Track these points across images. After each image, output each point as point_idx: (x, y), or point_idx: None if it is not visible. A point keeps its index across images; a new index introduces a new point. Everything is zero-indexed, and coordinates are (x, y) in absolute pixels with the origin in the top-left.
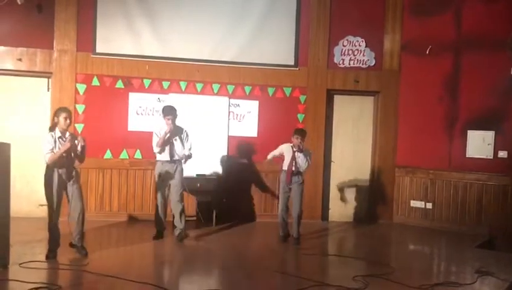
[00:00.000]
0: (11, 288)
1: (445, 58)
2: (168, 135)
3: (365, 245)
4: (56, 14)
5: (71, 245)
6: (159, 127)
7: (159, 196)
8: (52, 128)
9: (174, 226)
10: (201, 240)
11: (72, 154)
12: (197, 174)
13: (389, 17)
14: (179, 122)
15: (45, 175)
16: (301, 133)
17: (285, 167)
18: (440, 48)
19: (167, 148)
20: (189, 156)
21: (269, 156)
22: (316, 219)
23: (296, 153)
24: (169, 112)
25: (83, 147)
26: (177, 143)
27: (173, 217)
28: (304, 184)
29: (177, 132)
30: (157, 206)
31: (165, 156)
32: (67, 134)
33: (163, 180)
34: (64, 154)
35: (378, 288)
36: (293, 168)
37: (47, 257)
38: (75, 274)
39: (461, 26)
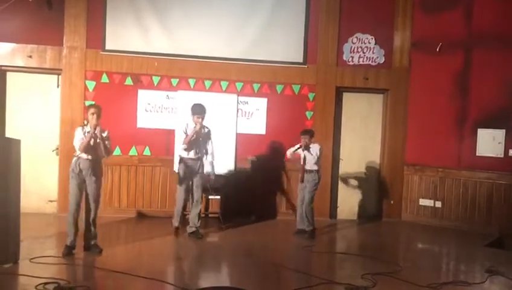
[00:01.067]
0: (22, 283)
1: (456, 56)
2: (194, 135)
3: (373, 243)
4: (66, 11)
5: (85, 247)
6: (185, 124)
7: (181, 192)
8: (84, 125)
9: (187, 223)
10: (211, 237)
11: (97, 149)
12: (206, 172)
13: (399, 14)
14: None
15: (70, 168)
16: (307, 133)
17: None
18: (450, 45)
19: (194, 146)
20: (212, 163)
21: (288, 154)
22: (325, 217)
23: (305, 152)
24: (200, 110)
25: (105, 140)
26: (203, 142)
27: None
28: (319, 183)
29: (204, 130)
30: (179, 201)
31: (190, 154)
32: (98, 129)
33: (186, 177)
34: (91, 144)
35: (387, 286)
36: (305, 167)
37: (63, 254)
38: (84, 270)
39: (472, 23)
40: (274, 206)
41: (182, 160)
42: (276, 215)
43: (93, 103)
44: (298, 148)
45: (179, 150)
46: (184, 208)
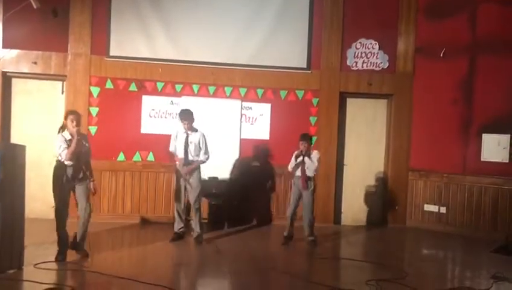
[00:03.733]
0: (26, 288)
1: (460, 61)
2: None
3: (378, 249)
4: (71, 18)
5: (75, 249)
6: (176, 130)
7: (177, 196)
8: (61, 130)
9: (191, 228)
10: (213, 242)
11: (80, 155)
12: (209, 177)
13: (402, 20)
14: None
15: (53, 175)
16: (306, 138)
17: (298, 172)
18: (454, 50)
19: (182, 151)
20: (202, 161)
21: (290, 168)
22: (329, 223)
23: (305, 158)
24: (183, 116)
25: (87, 149)
26: (192, 146)
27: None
28: (315, 191)
29: (193, 135)
30: (174, 207)
31: (181, 159)
32: (79, 136)
33: (180, 181)
34: (75, 152)
35: None
36: (307, 174)
37: (56, 259)
38: (88, 276)
39: (476, 28)
40: (278, 211)
41: (175, 165)
42: (280, 220)
43: (97, 109)
44: (299, 155)
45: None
46: (188, 213)
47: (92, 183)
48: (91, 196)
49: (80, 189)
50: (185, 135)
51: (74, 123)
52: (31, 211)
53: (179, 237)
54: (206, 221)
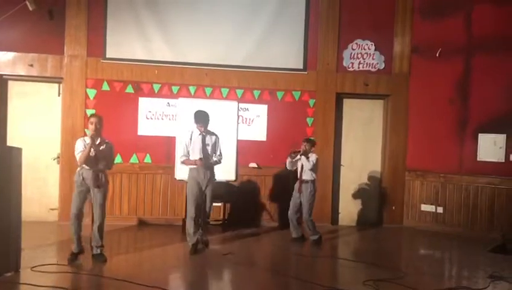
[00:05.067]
0: None
1: (456, 61)
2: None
3: (375, 249)
4: (67, 20)
5: (92, 255)
6: (189, 132)
7: (191, 205)
8: (85, 135)
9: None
10: (213, 244)
11: (99, 159)
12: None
13: (398, 20)
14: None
15: (74, 177)
16: (309, 140)
17: (299, 175)
18: (450, 50)
19: (198, 153)
20: (216, 162)
21: (288, 166)
22: (326, 223)
23: (302, 158)
24: (196, 118)
25: (107, 152)
26: (208, 148)
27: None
28: (316, 193)
29: (209, 137)
30: (190, 215)
31: (198, 161)
32: (99, 140)
33: (198, 187)
34: (91, 155)
35: None
36: (303, 176)
37: (68, 262)
38: (85, 278)
39: (471, 28)
40: (275, 213)
41: (190, 170)
42: (277, 222)
43: (94, 111)
44: (297, 152)
45: (180, 162)
46: (197, 220)
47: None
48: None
49: (96, 194)
50: (201, 137)
51: (92, 127)
52: (27, 213)
53: (197, 246)
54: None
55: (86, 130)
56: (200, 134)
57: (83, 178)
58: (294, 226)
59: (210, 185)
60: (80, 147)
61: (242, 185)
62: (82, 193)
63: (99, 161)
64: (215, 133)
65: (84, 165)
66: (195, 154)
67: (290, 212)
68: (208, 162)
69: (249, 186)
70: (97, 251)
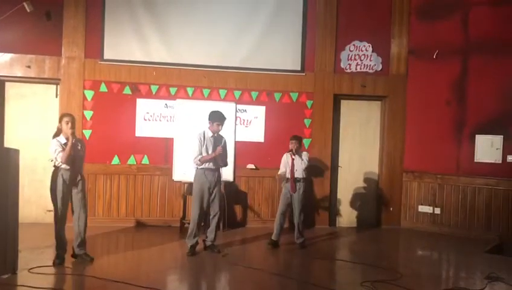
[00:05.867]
0: None
1: (453, 63)
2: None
3: (373, 250)
4: (64, 21)
5: (73, 256)
6: (201, 132)
7: (197, 206)
8: (56, 135)
9: (206, 236)
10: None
11: (76, 158)
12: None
13: (395, 22)
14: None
15: (51, 180)
16: (295, 137)
17: (288, 174)
18: (447, 52)
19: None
20: (226, 164)
21: (280, 172)
22: (324, 224)
23: (293, 158)
24: (219, 118)
25: (82, 151)
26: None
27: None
28: (306, 192)
29: (221, 139)
30: (195, 217)
31: (209, 164)
32: (73, 139)
33: (205, 189)
34: (71, 155)
35: None
36: (295, 175)
37: (54, 263)
38: (83, 280)
39: (468, 30)
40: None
41: (199, 171)
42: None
43: (91, 113)
44: (290, 153)
45: (195, 162)
46: (201, 224)
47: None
48: (87, 200)
49: (76, 193)
50: (213, 139)
51: (69, 125)
52: (25, 215)
53: (195, 248)
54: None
55: (58, 131)
56: (212, 136)
57: (64, 179)
58: (278, 228)
59: (218, 185)
60: (57, 147)
61: (239, 186)
62: (66, 195)
63: (76, 160)
64: (224, 137)
65: (63, 166)
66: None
67: (279, 212)
68: (223, 162)
69: (247, 187)
70: (81, 251)
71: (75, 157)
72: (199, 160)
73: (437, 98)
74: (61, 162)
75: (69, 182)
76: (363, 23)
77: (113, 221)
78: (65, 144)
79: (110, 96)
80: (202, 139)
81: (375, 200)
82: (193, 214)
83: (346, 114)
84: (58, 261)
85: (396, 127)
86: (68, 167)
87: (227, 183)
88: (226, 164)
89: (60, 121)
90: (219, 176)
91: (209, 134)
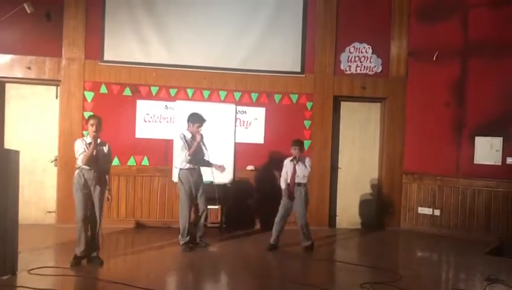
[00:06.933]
0: None
1: (453, 64)
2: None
3: (373, 252)
4: (65, 23)
5: (87, 259)
6: (181, 134)
7: (187, 205)
8: (83, 136)
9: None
10: (210, 247)
11: (99, 160)
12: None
13: (395, 24)
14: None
15: (74, 179)
16: (298, 143)
17: (288, 180)
18: (447, 53)
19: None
20: (208, 165)
21: (283, 185)
22: (323, 226)
23: (298, 164)
24: (200, 120)
25: (108, 153)
26: (202, 150)
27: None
28: (308, 196)
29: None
30: (187, 216)
31: (193, 164)
32: (99, 141)
33: (192, 187)
34: (92, 157)
35: None
36: (295, 181)
37: (71, 265)
38: (82, 281)
39: (468, 31)
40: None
41: (184, 171)
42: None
43: (91, 113)
44: (293, 160)
45: (181, 162)
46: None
47: (107, 191)
48: (104, 203)
49: (95, 195)
50: (192, 140)
51: (94, 128)
52: (24, 216)
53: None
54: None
55: (84, 132)
56: (192, 137)
57: (85, 179)
58: (276, 233)
59: (202, 184)
60: (81, 147)
61: (239, 188)
62: (86, 195)
63: (99, 161)
64: (202, 134)
65: (84, 166)
66: (194, 157)
67: (278, 218)
68: (205, 164)
69: (246, 188)
70: (93, 254)
71: (98, 159)
72: (189, 155)
73: (437, 100)
74: (81, 163)
75: (91, 182)
76: (363, 24)
77: (112, 222)
78: (89, 144)
79: (110, 97)
80: (184, 141)
81: (374, 202)
82: (183, 213)
83: (346, 116)
84: (75, 262)
85: (396, 129)
86: (88, 168)
87: (226, 185)
88: (209, 164)
89: (87, 122)
90: (202, 175)
91: (188, 135)
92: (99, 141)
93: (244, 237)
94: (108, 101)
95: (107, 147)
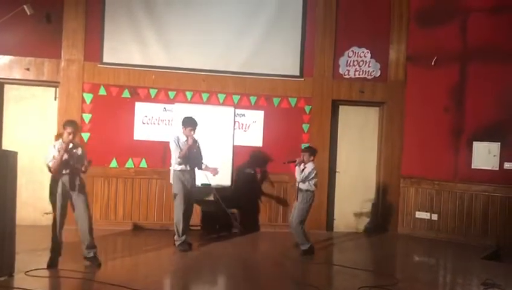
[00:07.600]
0: None
1: (451, 69)
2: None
3: (370, 256)
4: (64, 24)
5: (85, 258)
6: (175, 137)
7: (181, 205)
8: (57, 138)
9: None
10: (206, 249)
11: (74, 163)
12: (202, 184)
13: (394, 28)
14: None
15: (50, 184)
16: (305, 150)
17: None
18: (446, 58)
19: (187, 159)
20: (200, 167)
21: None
22: (321, 229)
23: (298, 168)
24: (192, 123)
25: (81, 156)
26: (196, 153)
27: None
28: (308, 204)
29: (195, 142)
30: (180, 215)
31: (185, 166)
32: (71, 145)
33: (185, 189)
34: (64, 161)
35: None
36: (297, 185)
37: (47, 266)
38: (79, 283)
39: (467, 37)
40: (272, 218)
41: (178, 173)
42: (271, 227)
43: (90, 116)
44: (291, 161)
45: (174, 164)
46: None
47: (86, 162)
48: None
49: (77, 196)
50: (186, 143)
51: (70, 137)
52: (22, 217)
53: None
54: (198, 228)
55: (58, 136)
56: (186, 140)
57: (63, 183)
58: (300, 236)
59: (194, 186)
60: (51, 154)
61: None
62: (64, 200)
63: (73, 165)
64: (197, 140)
65: (63, 171)
66: (186, 159)
67: (290, 218)
68: (200, 167)
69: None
70: (90, 254)
71: (69, 161)
72: (179, 157)
73: (435, 105)
74: (53, 170)
75: (69, 186)
76: (362, 29)
77: (110, 224)
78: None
79: (109, 99)
80: (177, 142)
81: (372, 206)
82: (179, 213)
83: (344, 119)
84: (52, 263)
85: (394, 133)
86: (66, 172)
87: (225, 187)
88: (200, 166)
89: (63, 128)
90: (195, 178)
91: (183, 138)
92: (71, 145)
93: (240, 239)
94: (107, 103)
95: (80, 149)
